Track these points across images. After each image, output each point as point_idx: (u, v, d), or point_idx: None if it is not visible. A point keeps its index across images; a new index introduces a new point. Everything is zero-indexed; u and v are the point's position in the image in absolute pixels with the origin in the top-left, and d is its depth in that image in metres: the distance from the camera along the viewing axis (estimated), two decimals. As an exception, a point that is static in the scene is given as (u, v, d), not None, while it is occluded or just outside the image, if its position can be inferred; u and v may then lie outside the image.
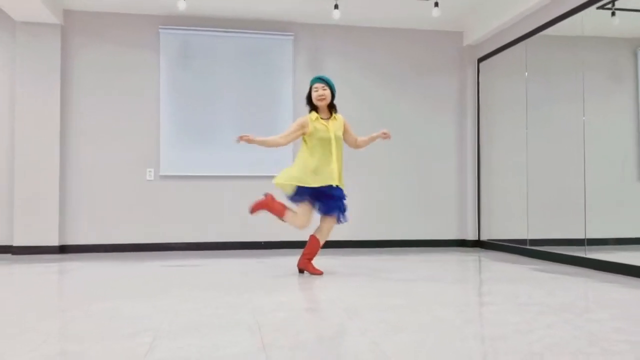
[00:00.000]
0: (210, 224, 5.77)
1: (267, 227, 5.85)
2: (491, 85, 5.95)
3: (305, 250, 3.95)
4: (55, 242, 5.44)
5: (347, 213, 3.94)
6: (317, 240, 3.91)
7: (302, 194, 3.80)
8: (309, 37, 6.04)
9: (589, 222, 4.29)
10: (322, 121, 3.89)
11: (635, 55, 3.96)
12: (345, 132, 4.02)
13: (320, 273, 3.90)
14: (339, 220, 3.92)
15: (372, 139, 4.12)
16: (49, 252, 5.41)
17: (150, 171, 5.70)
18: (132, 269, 4.27)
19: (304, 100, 4.09)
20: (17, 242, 5.37)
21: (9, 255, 5.31)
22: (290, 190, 3.81)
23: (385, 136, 4.09)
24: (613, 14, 4.11)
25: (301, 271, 3.99)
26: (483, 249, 5.91)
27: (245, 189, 5.83)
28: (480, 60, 6.13)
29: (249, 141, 3.80)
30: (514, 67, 5.41)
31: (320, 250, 5.91)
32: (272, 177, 5.84)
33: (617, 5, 4.06)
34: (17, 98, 5.41)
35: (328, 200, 3.83)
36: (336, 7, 5.29)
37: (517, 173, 5.33)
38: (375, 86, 6.15)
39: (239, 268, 4.34)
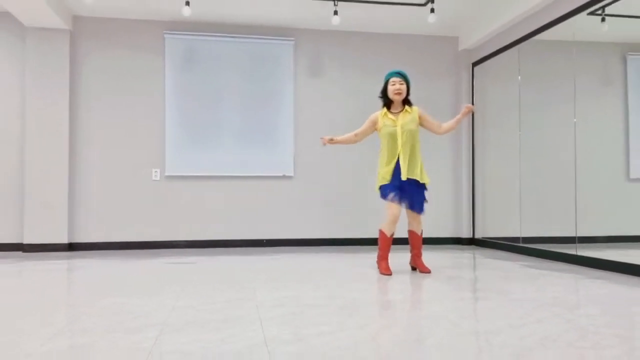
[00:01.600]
0: (214, 222, 5.78)
1: (269, 226, 5.86)
2: (485, 88, 5.95)
3: (413, 245, 3.91)
4: (64, 240, 5.44)
5: (424, 205, 3.85)
6: (414, 233, 3.88)
7: (384, 191, 3.81)
8: (310, 42, 6.04)
9: (580, 220, 4.30)
10: (391, 116, 3.82)
11: (625, 59, 3.96)
12: (424, 121, 3.90)
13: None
14: (417, 212, 3.83)
15: (458, 121, 3.92)
16: (58, 250, 5.41)
17: (156, 171, 5.70)
18: (139, 266, 4.27)
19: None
20: (28, 240, 5.37)
21: (19, 253, 5.31)
22: (378, 191, 3.89)
23: (469, 109, 3.87)
24: (603, 19, 4.11)
25: (414, 268, 4.01)
26: (478, 247, 5.91)
27: (248, 189, 5.84)
28: (474, 64, 6.14)
29: (332, 142, 3.93)
30: (508, 71, 5.41)
31: (325, 248, 5.94)
32: (273, 177, 5.89)
33: (607, 11, 4.06)
34: (27, 101, 5.41)
35: (405, 194, 3.78)
36: (336, 13, 5.29)
37: (510, 173, 5.34)
38: (374, 90, 6.11)
39: (242, 265, 4.35)
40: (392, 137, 3.78)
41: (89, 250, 5.54)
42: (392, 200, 3.76)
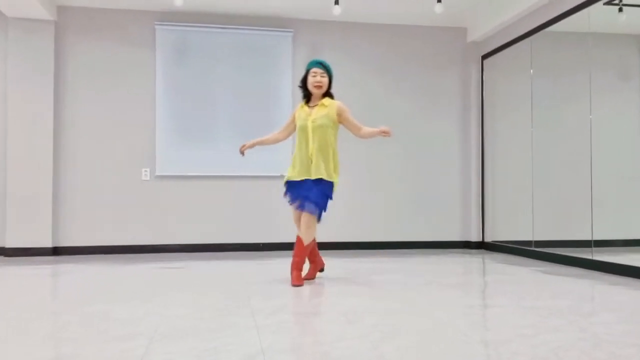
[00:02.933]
0: (207, 225, 5.78)
1: (266, 229, 5.86)
2: (495, 82, 5.96)
3: (295, 252, 3.64)
4: (48, 243, 5.44)
5: (313, 207, 3.53)
6: (299, 240, 3.60)
7: (287, 190, 3.71)
8: (309, 34, 6.05)
9: (596, 223, 4.30)
10: (307, 109, 3.71)
11: (643, 52, 3.97)
12: (343, 120, 3.70)
13: (298, 284, 3.50)
14: (305, 210, 3.56)
15: (373, 134, 3.67)
16: (42, 254, 5.42)
17: (146, 171, 5.71)
18: (128, 271, 4.28)
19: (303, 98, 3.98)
20: (10, 243, 5.38)
21: (1, 257, 5.32)
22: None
23: (385, 134, 3.59)
24: (620, 9, 4.12)
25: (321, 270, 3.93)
26: (487, 251, 5.92)
27: (244, 189, 5.85)
28: (484, 57, 6.14)
29: (250, 146, 3.85)
30: (519, 64, 5.42)
31: (325, 252, 5.91)
32: (270, 177, 5.90)
33: (625, 1, 4.07)
34: (9, 96, 5.42)
35: (300, 193, 3.59)
36: (336, 2, 5.30)
37: (522, 173, 5.34)
38: (376, 84, 6.16)
39: (237, 270, 4.35)
40: (304, 131, 3.64)
41: (75, 254, 5.54)
42: (289, 202, 3.69)
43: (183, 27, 5.77)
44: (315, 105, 3.71)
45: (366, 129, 3.72)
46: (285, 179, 3.73)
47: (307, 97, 3.76)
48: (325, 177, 3.59)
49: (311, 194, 3.54)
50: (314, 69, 3.68)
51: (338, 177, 3.73)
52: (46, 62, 5.48)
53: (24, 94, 5.44)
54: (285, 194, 3.72)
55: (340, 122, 3.73)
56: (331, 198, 3.68)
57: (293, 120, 3.80)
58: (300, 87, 3.80)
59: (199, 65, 5.81)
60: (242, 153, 3.86)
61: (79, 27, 5.65)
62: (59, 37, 5.61)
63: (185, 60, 5.78)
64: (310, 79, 3.69)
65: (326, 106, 3.68)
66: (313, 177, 3.58)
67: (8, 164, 5.39)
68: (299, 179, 3.62)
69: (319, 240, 5.93)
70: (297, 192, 3.63)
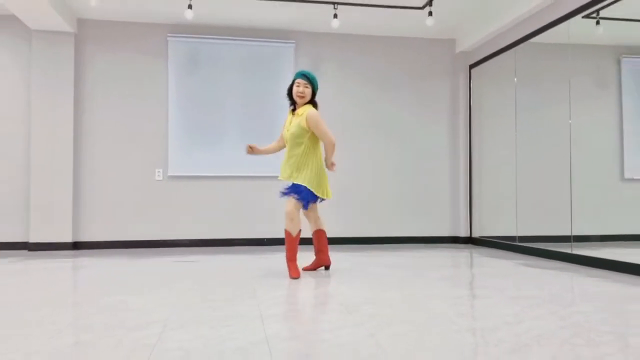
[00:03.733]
0: (215, 221, 5.78)
1: (270, 225, 5.86)
2: (482, 90, 5.96)
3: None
4: (69, 239, 5.44)
5: (291, 195, 3.58)
6: (285, 232, 3.62)
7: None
8: (310, 45, 6.05)
9: (575, 219, 4.30)
10: (290, 117, 3.73)
11: (619, 62, 3.97)
12: (312, 128, 3.58)
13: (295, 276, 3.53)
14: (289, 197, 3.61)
15: (327, 157, 3.70)
16: (63, 249, 5.42)
17: (159, 171, 5.71)
18: (142, 265, 4.28)
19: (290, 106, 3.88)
20: (33, 239, 5.38)
21: (25, 252, 5.32)
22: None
23: (330, 168, 3.74)
24: (598, 22, 4.12)
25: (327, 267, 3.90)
26: (475, 246, 5.92)
27: (249, 189, 5.85)
28: (472, 66, 6.14)
29: (256, 152, 3.83)
30: (504, 73, 5.42)
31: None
32: (273, 177, 5.90)
33: (602, 14, 4.06)
34: (32, 103, 5.42)
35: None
36: (335, 16, 5.30)
37: (507, 173, 5.34)
38: (373, 91, 6.16)
39: (243, 264, 4.35)
40: (285, 138, 3.71)
41: (93, 249, 5.54)
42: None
43: (194, 38, 5.77)
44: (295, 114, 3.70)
45: (325, 147, 3.66)
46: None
47: (294, 105, 3.73)
48: (300, 182, 3.59)
49: (289, 188, 3.63)
50: (298, 80, 3.64)
51: (325, 189, 3.64)
52: (67, 72, 5.48)
53: (46, 101, 5.44)
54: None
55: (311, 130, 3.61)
56: (314, 199, 3.62)
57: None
58: (287, 95, 3.74)
59: (208, 74, 5.81)
60: (250, 150, 3.80)
61: (97, 39, 5.65)
62: (78, 48, 5.61)
63: (196, 70, 5.78)
64: (294, 89, 3.64)
65: (300, 115, 3.63)
66: (292, 181, 3.65)
67: (32, 165, 5.39)
68: (282, 179, 3.70)
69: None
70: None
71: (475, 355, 1.83)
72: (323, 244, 3.83)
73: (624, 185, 3.91)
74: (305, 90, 3.63)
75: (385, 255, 4.96)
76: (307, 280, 3.46)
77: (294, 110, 3.73)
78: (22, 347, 1.92)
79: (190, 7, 5.04)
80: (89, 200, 5.57)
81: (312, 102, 3.70)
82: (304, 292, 3.05)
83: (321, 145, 3.72)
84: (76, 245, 5.53)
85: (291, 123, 3.66)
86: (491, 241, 5.66)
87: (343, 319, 2.37)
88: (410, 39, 6.25)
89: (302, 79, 3.63)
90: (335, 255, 4.94)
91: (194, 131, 5.75)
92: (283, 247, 5.60)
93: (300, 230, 3.61)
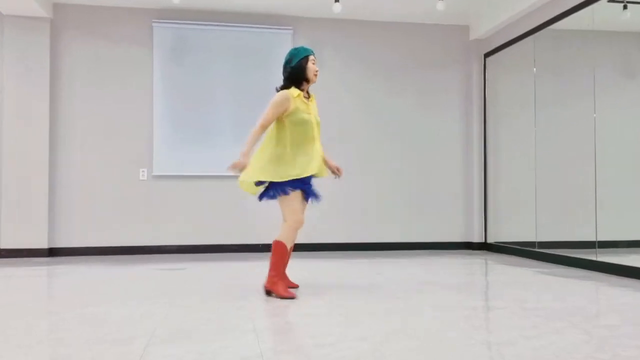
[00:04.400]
0: (205, 225, 5.79)
1: (264, 229, 5.86)
2: (498, 81, 5.97)
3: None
4: (44, 244, 5.45)
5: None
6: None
7: (295, 185, 3.26)
8: (309, 32, 6.05)
9: (600, 223, 4.31)
10: (305, 100, 3.37)
11: (648, 50, 3.97)
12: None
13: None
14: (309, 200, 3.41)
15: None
16: (37, 255, 5.42)
17: (143, 171, 5.71)
18: (124, 272, 4.28)
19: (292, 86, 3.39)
20: (5, 244, 5.38)
21: (-4, 259, 5.33)
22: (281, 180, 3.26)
23: (336, 173, 3.60)
24: (625, 7, 4.12)
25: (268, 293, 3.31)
26: (490, 252, 5.92)
27: (241, 190, 5.84)
28: (486, 55, 6.15)
29: (243, 160, 3.29)
30: (522, 62, 5.42)
31: (324, 253, 5.95)
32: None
33: (629, -2, 4.07)
34: (4, 95, 5.42)
35: (309, 190, 3.39)
36: (337, 0, 5.30)
37: (525, 173, 5.35)
38: (377, 82, 6.16)
39: (235, 271, 4.36)
40: (308, 125, 3.29)
41: (71, 255, 5.55)
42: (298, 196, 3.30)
43: (181, 24, 5.78)
44: (308, 99, 3.42)
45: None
46: (296, 174, 3.23)
47: (298, 86, 3.36)
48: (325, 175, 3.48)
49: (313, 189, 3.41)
50: (313, 57, 3.39)
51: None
52: (42, 60, 5.49)
53: (19, 92, 5.45)
54: (293, 189, 3.25)
55: None
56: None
57: (281, 106, 3.28)
58: (292, 76, 3.35)
59: (197, 63, 5.81)
60: (234, 170, 3.32)
61: (75, 25, 5.66)
62: (54, 35, 5.62)
63: (183, 59, 5.79)
64: (310, 66, 3.35)
65: (313, 99, 3.48)
66: (324, 175, 3.43)
67: (3, 163, 5.40)
68: (312, 174, 3.31)
69: (319, 241, 5.98)
70: (308, 187, 3.36)
71: (490, 371, 1.84)
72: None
73: (653, 186, 3.92)
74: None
75: (392, 262, 4.96)
76: (306, 290, 3.46)
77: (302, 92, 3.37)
78: (-7, 363, 1.93)
79: (177, -10, 5.05)
80: (67, 202, 5.58)
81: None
82: (301, 303, 3.05)
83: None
84: (52, 252, 5.53)
85: (309, 108, 3.35)
86: (508, 247, 5.67)
87: (344, 332, 2.37)
88: (418, 25, 6.26)
89: (314, 55, 3.43)
90: (338, 262, 4.95)
91: (181, 127, 5.75)
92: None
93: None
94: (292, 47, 3.44)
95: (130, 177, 5.69)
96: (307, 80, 3.39)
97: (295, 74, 3.35)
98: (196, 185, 5.79)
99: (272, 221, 5.87)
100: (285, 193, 3.24)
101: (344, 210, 6.02)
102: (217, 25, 5.84)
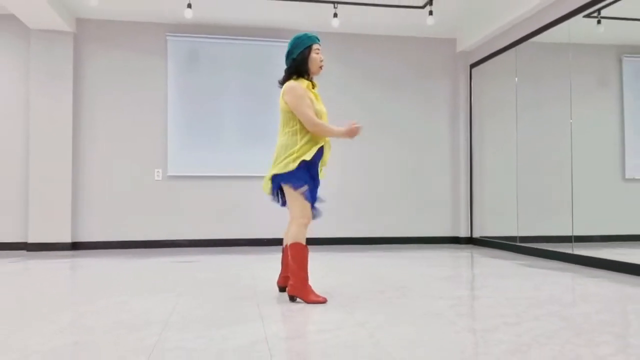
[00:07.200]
0: (215, 221, 5.79)
1: (270, 225, 5.87)
2: (483, 89, 5.97)
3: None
4: (67, 239, 5.45)
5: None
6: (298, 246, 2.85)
7: (302, 176, 2.79)
8: (310, 44, 6.04)
9: (576, 220, 4.31)
10: (314, 91, 2.88)
11: (620, 61, 3.98)
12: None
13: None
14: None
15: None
16: (61, 249, 5.43)
17: (158, 171, 5.71)
18: (141, 265, 4.28)
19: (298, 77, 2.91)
20: (32, 239, 5.39)
21: (23, 252, 5.32)
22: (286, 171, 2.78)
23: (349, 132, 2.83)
24: (599, 22, 4.12)
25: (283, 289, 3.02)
26: (475, 246, 5.93)
27: (249, 188, 5.85)
28: (472, 65, 6.15)
29: (347, 129, 2.79)
30: (505, 72, 5.43)
31: (321, 247, 5.96)
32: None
33: (603, 13, 4.07)
34: (31, 103, 5.43)
35: (315, 189, 2.90)
36: (335, 15, 5.31)
37: (507, 173, 5.35)
38: (373, 90, 6.16)
39: (242, 264, 4.36)
40: (323, 117, 2.84)
41: (92, 249, 5.55)
42: (306, 196, 2.81)
43: (193, 38, 5.78)
44: (313, 90, 2.89)
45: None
46: (301, 159, 2.77)
47: (303, 76, 2.86)
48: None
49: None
50: (317, 45, 2.86)
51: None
52: (65, 71, 5.49)
53: (45, 100, 5.45)
54: (304, 184, 2.79)
55: None
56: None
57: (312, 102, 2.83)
58: (296, 67, 2.84)
59: (207, 73, 5.82)
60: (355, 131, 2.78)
61: (96, 38, 5.66)
62: (77, 48, 5.62)
63: (195, 69, 5.79)
64: (314, 56, 2.84)
65: (317, 89, 2.94)
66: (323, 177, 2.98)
67: (30, 165, 5.40)
68: (311, 167, 2.85)
69: (315, 236, 5.98)
70: (316, 184, 2.89)
71: (476, 355, 1.84)
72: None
73: (625, 185, 3.92)
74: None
75: (385, 255, 4.96)
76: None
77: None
78: (21, 347, 1.93)
79: (189, 6, 5.05)
80: (88, 200, 5.58)
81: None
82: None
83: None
84: (75, 245, 5.54)
85: (318, 99, 2.87)
86: (492, 241, 5.67)
87: (342, 319, 2.37)
88: (410, 38, 6.26)
89: (319, 43, 2.89)
90: (334, 255, 4.95)
91: (193, 130, 5.76)
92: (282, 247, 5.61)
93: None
94: (295, 35, 2.89)
95: (146, 177, 5.69)
96: (312, 73, 2.88)
97: (298, 67, 2.84)
98: (207, 184, 5.79)
99: (275, 218, 5.88)
100: (294, 185, 2.76)
101: (338, 207, 6.01)
102: (226, 38, 5.84)
